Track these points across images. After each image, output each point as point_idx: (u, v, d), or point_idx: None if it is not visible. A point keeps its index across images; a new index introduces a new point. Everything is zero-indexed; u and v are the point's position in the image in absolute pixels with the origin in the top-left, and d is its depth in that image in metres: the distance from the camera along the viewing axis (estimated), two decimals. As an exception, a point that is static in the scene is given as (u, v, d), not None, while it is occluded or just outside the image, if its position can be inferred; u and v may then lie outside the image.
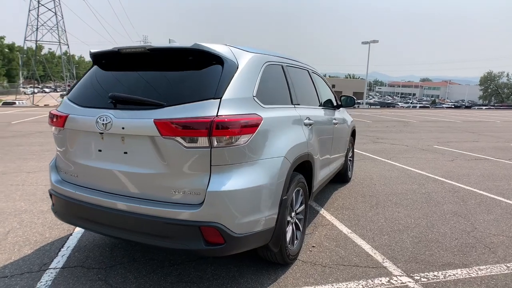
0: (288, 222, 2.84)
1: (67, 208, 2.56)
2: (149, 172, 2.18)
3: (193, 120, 2.05)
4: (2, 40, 52.76)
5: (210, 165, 2.11)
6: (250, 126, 2.23)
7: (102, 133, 2.27)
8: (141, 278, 2.64)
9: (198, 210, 2.08)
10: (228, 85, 2.23)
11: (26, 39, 42.75)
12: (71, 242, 3.22)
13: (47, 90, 58.05)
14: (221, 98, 2.15)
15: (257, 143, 2.30)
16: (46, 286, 2.51)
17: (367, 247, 3.29)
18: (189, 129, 2.05)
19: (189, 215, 2.09)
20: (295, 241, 3.00)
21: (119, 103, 2.25)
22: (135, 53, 2.42)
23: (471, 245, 3.38)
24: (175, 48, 2.36)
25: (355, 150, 8.78)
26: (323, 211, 4.23)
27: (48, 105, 32.38)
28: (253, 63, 2.53)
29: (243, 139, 2.18)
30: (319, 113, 3.65)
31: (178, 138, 2.07)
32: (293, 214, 2.93)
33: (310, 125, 3.22)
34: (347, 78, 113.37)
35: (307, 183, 3.26)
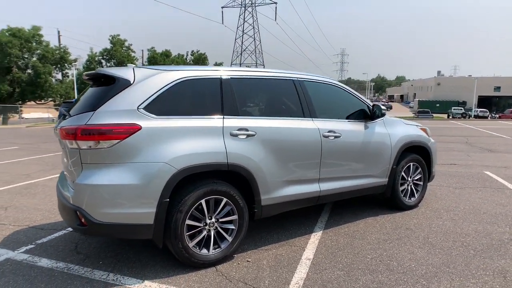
0: (196, 227, 2.96)
1: None
2: (68, 165, 2.94)
3: (69, 127, 2.68)
4: (221, 65, 68.47)
5: (81, 163, 2.67)
6: (118, 133, 2.63)
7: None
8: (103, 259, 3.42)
9: (72, 196, 2.68)
10: (109, 99, 2.72)
11: (232, 63, 52.98)
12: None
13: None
14: (95, 110, 2.68)
15: (130, 146, 2.66)
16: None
17: (299, 275, 2.90)
18: (67, 134, 2.69)
19: (70, 199, 2.72)
20: (215, 249, 3.06)
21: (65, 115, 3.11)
22: (89, 77, 3.23)
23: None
24: (94, 73, 3.04)
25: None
26: (317, 233, 3.82)
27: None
28: (149, 81, 2.87)
29: (107, 143, 2.61)
30: (284, 124, 3.43)
31: (66, 141, 2.73)
32: (208, 220, 3.01)
33: (248, 136, 3.16)
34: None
35: (245, 196, 3.22)
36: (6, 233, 3.83)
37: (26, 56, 29.68)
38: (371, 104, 4.23)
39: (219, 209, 3.07)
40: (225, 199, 3.06)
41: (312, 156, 3.60)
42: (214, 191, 2.99)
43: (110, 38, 40.74)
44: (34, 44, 29.96)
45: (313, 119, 3.69)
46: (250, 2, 50.20)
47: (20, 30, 28.84)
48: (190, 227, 2.94)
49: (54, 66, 31.23)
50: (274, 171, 3.33)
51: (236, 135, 3.11)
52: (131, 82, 2.83)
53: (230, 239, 3.14)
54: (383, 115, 4.17)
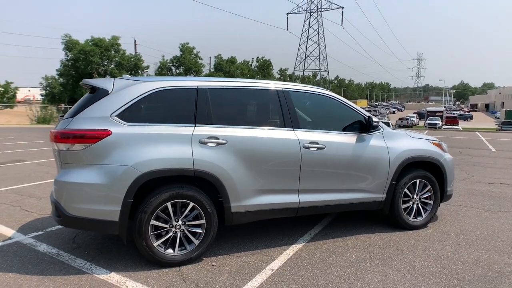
0: (162, 227, 3.17)
1: None
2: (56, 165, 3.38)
3: (53, 131, 3.09)
4: (285, 72, 68.93)
5: (61, 162, 3.05)
6: (89, 138, 2.96)
7: None
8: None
9: (54, 191, 3.08)
10: (87, 107, 3.08)
11: (295, 69, 53.03)
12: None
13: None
14: (73, 117, 3.05)
15: (100, 150, 2.97)
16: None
17: (252, 284, 2.93)
18: (52, 137, 3.10)
19: (54, 194, 3.13)
20: (181, 250, 3.23)
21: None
22: (84, 86, 3.66)
23: None
24: (82, 83, 3.42)
25: None
26: (298, 245, 3.77)
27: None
28: (125, 91, 3.16)
29: (80, 146, 2.95)
30: (259, 134, 3.47)
31: (53, 143, 3.15)
32: (175, 223, 3.20)
33: (219, 144, 3.28)
34: None
35: (215, 202, 3.34)
36: (28, 220, 4.46)
37: (105, 63, 33.47)
38: (367, 115, 4.04)
39: (185, 213, 3.23)
40: (192, 204, 3.22)
41: (290, 167, 3.58)
42: (180, 195, 3.16)
43: (180, 46, 43.79)
44: (113, 52, 33.63)
45: (295, 129, 3.67)
46: (315, 8, 49.87)
47: (101, 40, 32.61)
48: (156, 227, 3.16)
49: (129, 73, 34.57)
50: (246, 179, 3.39)
51: (205, 143, 3.25)
52: (109, 92, 3.16)
53: (197, 242, 3.28)
54: (376, 127, 3.96)
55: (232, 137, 3.36)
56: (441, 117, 46.41)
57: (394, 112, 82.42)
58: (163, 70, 41.48)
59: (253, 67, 62.61)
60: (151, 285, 2.90)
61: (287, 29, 51.12)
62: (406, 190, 4.23)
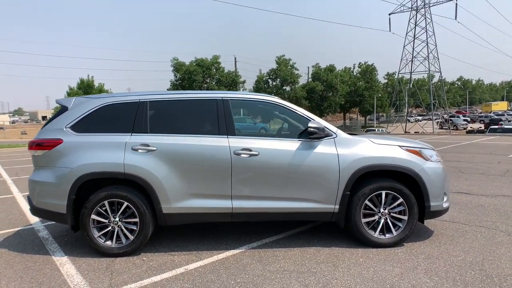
0: (102, 222, 3.71)
1: None
2: None
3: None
4: (393, 76, 63.50)
5: (34, 165, 3.91)
6: (47, 145, 3.72)
7: None
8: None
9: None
10: (52, 120, 3.88)
11: (400, 72, 48.73)
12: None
13: (419, 118, 62.63)
14: (42, 128, 3.87)
15: (53, 155, 3.70)
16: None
17: (155, 279, 3.20)
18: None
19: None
20: (118, 243, 3.72)
21: None
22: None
23: None
24: (56, 101, 4.24)
25: None
26: (237, 251, 3.84)
27: (418, 132, 35.72)
28: (79, 107, 3.85)
29: (40, 152, 3.74)
30: (188, 141, 3.72)
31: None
32: (113, 219, 3.71)
33: (149, 150, 3.68)
34: None
35: (149, 202, 3.73)
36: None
37: (207, 81, 37.24)
38: (315, 121, 3.83)
39: (121, 211, 3.71)
40: (126, 203, 3.68)
41: (220, 173, 3.72)
42: (115, 195, 3.66)
43: (276, 59, 45.41)
44: (214, 70, 37.20)
45: (229, 136, 3.80)
46: (422, 4, 45.12)
47: (203, 60, 36.50)
48: (97, 222, 3.72)
49: (227, 88, 37.64)
50: (176, 183, 3.69)
51: (136, 150, 3.69)
52: (68, 108, 3.91)
53: (131, 237, 3.72)
54: (314, 133, 3.72)
55: (162, 144, 3.72)
56: None
57: (540, 117, 68.27)
58: (260, 83, 43.63)
59: (354, 73, 60.21)
60: (81, 269, 3.45)
61: (390, 30, 47.63)
62: (368, 202, 3.83)
